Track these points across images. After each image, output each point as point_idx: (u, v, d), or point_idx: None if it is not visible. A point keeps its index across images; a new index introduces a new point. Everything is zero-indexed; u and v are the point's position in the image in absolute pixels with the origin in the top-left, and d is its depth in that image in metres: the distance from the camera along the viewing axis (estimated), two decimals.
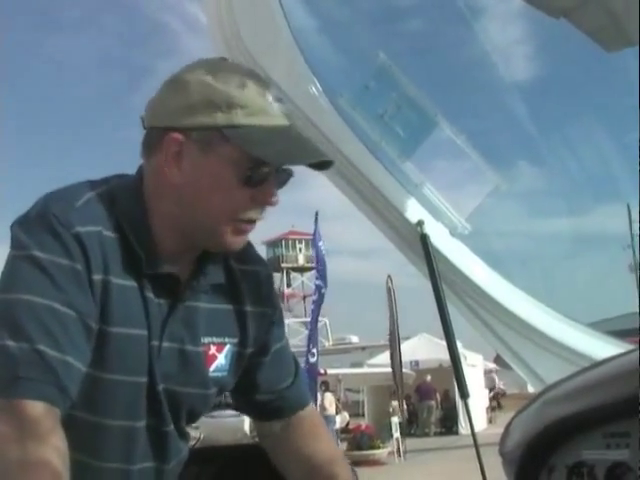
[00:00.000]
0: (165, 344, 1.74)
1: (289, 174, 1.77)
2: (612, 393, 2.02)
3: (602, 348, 2.72)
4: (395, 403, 22.51)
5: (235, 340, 1.88)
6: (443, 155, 3.15)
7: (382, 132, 2.77)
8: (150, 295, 1.72)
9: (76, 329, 1.57)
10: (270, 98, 1.70)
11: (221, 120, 1.65)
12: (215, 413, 23.96)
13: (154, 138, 1.72)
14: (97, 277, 1.63)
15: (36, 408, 1.46)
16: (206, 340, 1.82)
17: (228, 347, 1.87)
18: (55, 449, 1.42)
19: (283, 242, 74.54)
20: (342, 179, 2.76)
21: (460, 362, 2.84)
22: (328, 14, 3.38)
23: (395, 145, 2.80)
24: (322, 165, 1.73)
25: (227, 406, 24.76)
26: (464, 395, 2.96)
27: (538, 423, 2.18)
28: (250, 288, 1.91)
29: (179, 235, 1.74)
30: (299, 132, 1.74)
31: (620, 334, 3.06)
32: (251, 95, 1.68)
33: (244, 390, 2.00)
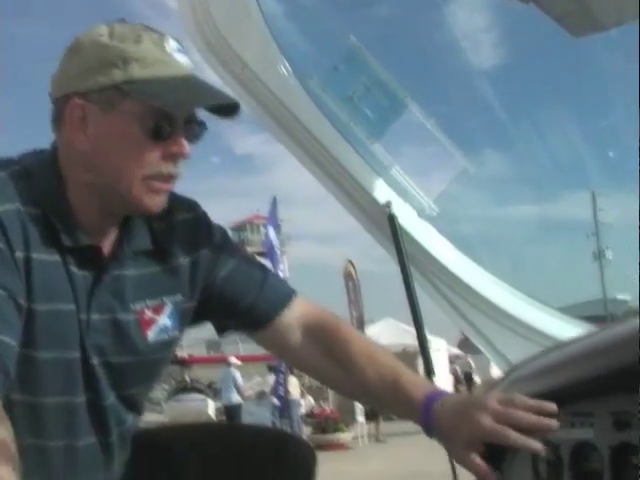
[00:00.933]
0: (95, 316, 1.73)
1: (201, 126, 1.76)
2: (576, 373, 2.05)
3: (569, 331, 2.76)
4: None
5: (177, 297, 1.87)
6: (412, 139, 3.16)
7: (351, 114, 2.78)
8: (74, 268, 1.71)
9: (7, 307, 1.55)
10: (168, 49, 1.69)
11: (118, 77, 1.64)
12: (180, 396, 24.01)
13: (59, 109, 1.71)
14: (19, 254, 1.62)
15: None
16: (138, 306, 1.81)
17: (170, 306, 1.86)
18: (6, 431, 1.40)
19: (248, 226, 74.37)
20: (311, 160, 2.77)
21: (426, 340, 2.86)
22: None
23: (364, 127, 2.81)
24: (229, 111, 1.72)
25: (193, 390, 24.78)
26: (430, 372, 2.98)
27: None
28: (181, 239, 1.89)
29: (97, 204, 1.73)
30: (201, 79, 1.74)
31: (587, 320, 3.09)
32: (147, 48, 1.67)
33: (220, 316, 2.00)
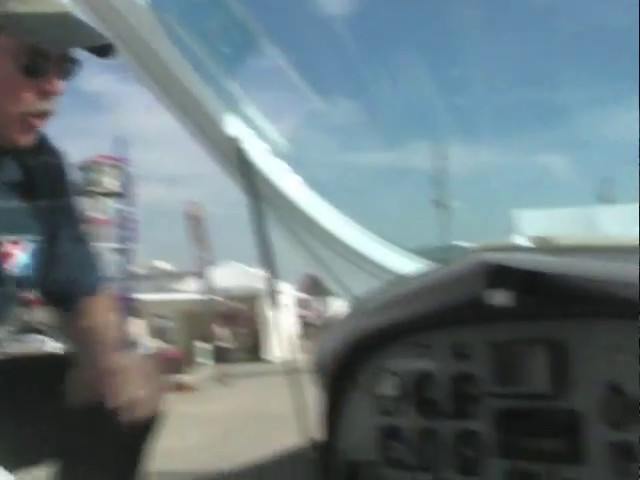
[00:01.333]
0: None
1: (74, 63, 1.76)
2: (418, 306, 2.16)
3: (413, 269, 2.86)
4: (217, 330, 22.60)
5: (37, 237, 1.88)
6: (266, 80, 3.19)
7: (207, 49, 2.77)
8: None
9: None
10: None
11: None
12: (21, 337, 23.51)
13: None
14: None
15: None
16: (1, 238, 1.81)
17: (30, 244, 1.87)
18: None
19: (93, 166, 72.75)
20: (165, 94, 2.76)
21: (276, 281, 2.92)
22: None
23: (219, 63, 2.82)
24: (103, 51, 1.73)
25: (35, 331, 24.32)
26: (274, 304, 3.06)
27: (349, 336, 2.30)
28: (45, 182, 1.91)
29: None
30: (79, 18, 1.73)
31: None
32: None
33: (40, 280, 2.01)
